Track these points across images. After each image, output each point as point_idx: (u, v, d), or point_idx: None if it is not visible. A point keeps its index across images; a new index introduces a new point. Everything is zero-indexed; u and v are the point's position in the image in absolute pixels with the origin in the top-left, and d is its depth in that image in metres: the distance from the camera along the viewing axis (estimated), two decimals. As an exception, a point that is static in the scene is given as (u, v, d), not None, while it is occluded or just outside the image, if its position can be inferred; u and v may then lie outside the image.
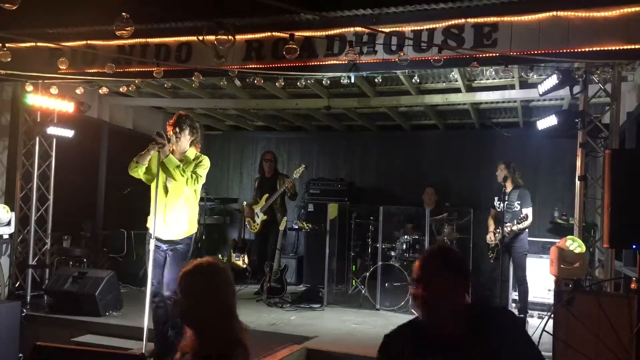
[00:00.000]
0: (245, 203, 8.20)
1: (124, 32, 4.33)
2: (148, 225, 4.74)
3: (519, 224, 6.67)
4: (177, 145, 4.79)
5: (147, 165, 4.70)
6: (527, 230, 6.90)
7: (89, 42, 6.76)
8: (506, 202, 6.87)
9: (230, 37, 5.20)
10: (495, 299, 7.18)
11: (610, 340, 3.97)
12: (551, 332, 4.37)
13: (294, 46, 5.41)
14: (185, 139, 4.81)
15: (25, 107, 7.45)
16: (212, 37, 5.36)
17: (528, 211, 6.76)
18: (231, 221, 10.64)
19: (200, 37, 5.73)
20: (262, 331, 5.96)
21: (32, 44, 6.85)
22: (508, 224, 6.71)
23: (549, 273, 5.11)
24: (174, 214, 4.81)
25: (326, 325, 6.62)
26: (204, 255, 9.07)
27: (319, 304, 7.64)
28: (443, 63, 5.54)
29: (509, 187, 6.96)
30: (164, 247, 4.85)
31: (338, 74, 6.20)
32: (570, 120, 5.76)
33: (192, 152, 4.88)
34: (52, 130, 7.36)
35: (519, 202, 6.84)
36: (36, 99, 7.19)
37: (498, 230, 6.86)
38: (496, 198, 7.03)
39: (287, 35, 5.60)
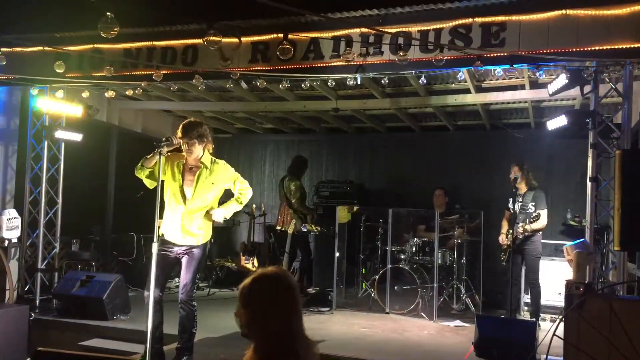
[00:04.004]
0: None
1: (110, 32, 4.31)
2: (160, 229, 4.72)
3: (531, 223, 6.56)
4: (189, 155, 4.80)
5: (151, 169, 4.69)
6: (540, 233, 6.79)
7: (95, 45, 6.79)
8: (520, 204, 6.79)
9: (220, 37, 5.22)
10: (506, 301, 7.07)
11: (623, 344, 3.87)
12: (562, 337, 4.28)
13: (287, 46, 5.38)
14: (196, 148, 4.80)
15: (34, 111, 7.49)
16: (216, 39, 5.34)
17: (542, 212, 6.64)
18: (240, 224, 10.60)
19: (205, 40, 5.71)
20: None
21: (40, 48, 6.88)
22: (520, 224, 6.62)
23: (571, 279, 4.95)
24: (194, 222, 4.83)
25: (335, 329, 6.56)
26: (214, 258, 8.93)
27: (328, 308, 7.59)
28: (450, 63, 5.49)
29: (523, 188, 6.88)
30: (178, 250, 4.83)
31: (344, 75, 6.15)
32: (581, 120, 5.64)
33: (207, 158, 4.90)
34: (60, 134, 7.38)
35: (534, 204, 6.73)
36: (44, 103, 7.22)
37: (510, 232, 6.76)
38: (510, 199, 6.93)
39: (294, 37, 5.56)
